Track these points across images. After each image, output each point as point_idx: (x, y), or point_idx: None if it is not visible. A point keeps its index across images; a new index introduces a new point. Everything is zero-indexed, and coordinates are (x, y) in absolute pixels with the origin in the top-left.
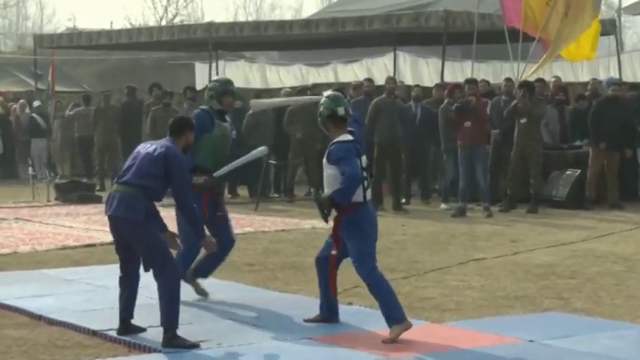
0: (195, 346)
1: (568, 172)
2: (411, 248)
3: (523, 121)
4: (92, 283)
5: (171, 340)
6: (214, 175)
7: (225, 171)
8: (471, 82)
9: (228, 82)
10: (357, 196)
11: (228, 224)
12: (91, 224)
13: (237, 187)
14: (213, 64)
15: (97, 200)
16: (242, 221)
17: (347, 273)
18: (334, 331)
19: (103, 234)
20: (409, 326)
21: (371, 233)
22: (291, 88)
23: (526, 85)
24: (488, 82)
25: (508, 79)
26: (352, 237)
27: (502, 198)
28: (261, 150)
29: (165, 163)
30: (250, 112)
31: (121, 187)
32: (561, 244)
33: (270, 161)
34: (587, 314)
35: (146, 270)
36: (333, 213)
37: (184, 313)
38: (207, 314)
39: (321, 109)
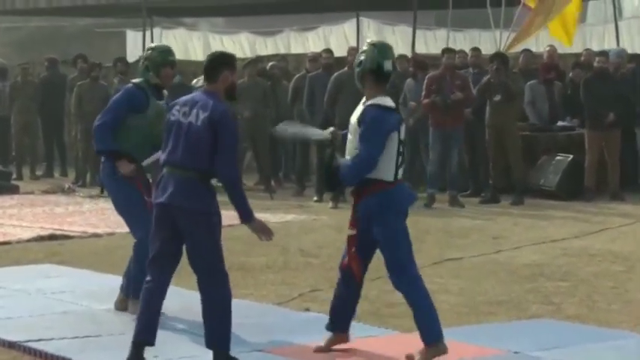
0: None
1: (559, 157)
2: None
3: (497, 98)
4: (8, 287)
5: None
6: (143, 163)
7: (155, 159)
8: (448, 51)
9: (168, 52)
10: (384, 173)
11: None
12: (6, 219)
13: None
14: (148, 33)
15: (14, 190)
16: None
17: (303, 273)
18: (290, 341)
19: (20, 230)
20: (444, 351)
21: (404, 222)
22: (240, 60)
23: (499, 58)
24: (466, 54)
25: (474, 49)
26: (379, 229)
27: (484, 188)
28: None
29: (211, 128)
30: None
31: (177, 171)
32: (551, 240)
33: None
34: (581, 321)
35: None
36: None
37: (115, 322)
38: None
39: (363, 58)
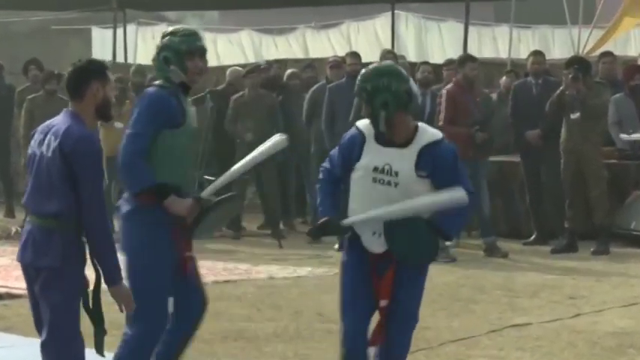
0: None
1: None
2: (420, 308)
3: (575, 116)
4: None
5: None
6: (202, 195)
7: (222, 183)
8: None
9: (194, 35)
10: None
11: (197, 273)
12: None
13: None
14: (120, 30)
15: None
16: None
17: (321, 344)
18: None
19: None
20: None
21: None
22: (241, 66)
23: (578, 64)
24: (543, 55)
25: (536, 53)
26: (415, 287)
27: (559, 233)
28: (278, 141)
29: (63, 159)
30: None
31: (32, 218)
32: None
33: (207, 177)
34: None
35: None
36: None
37: None
38: None
39: (391, 93)
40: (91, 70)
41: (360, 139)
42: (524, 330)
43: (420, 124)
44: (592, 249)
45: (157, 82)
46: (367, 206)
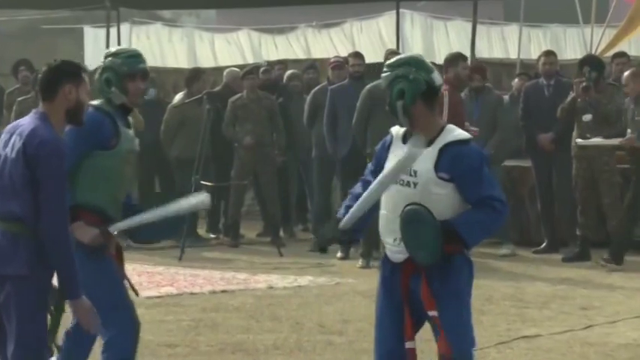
0: None
1: None
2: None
3: (587, 118)
4: None
5: None
6: (112, 228)
7: (132, 224)
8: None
9: (136, 57)
10: None
11: None
12: None
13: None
14: (113, 30)
15: None
16: (159, 277)
17: (323, 356)
18: None
19: None
20: None
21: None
22: (239, 67)
23: (592, 63)
24: (554, 55)
25: (548, 53)
26: (453, 298)
27: (570, 241)
28: (202, 201)
29: (26, 162)
30: (173, 103)
31: None
32: None
33: (203, 182)
34: None
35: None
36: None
37: None
38: None
39: (408, 81)
40: (65, 70)
41: (389, 141)
42: (534, 342)
43: (448, 125)
44: (605, 257)
45: (94, 103)
46: (391, 209)
